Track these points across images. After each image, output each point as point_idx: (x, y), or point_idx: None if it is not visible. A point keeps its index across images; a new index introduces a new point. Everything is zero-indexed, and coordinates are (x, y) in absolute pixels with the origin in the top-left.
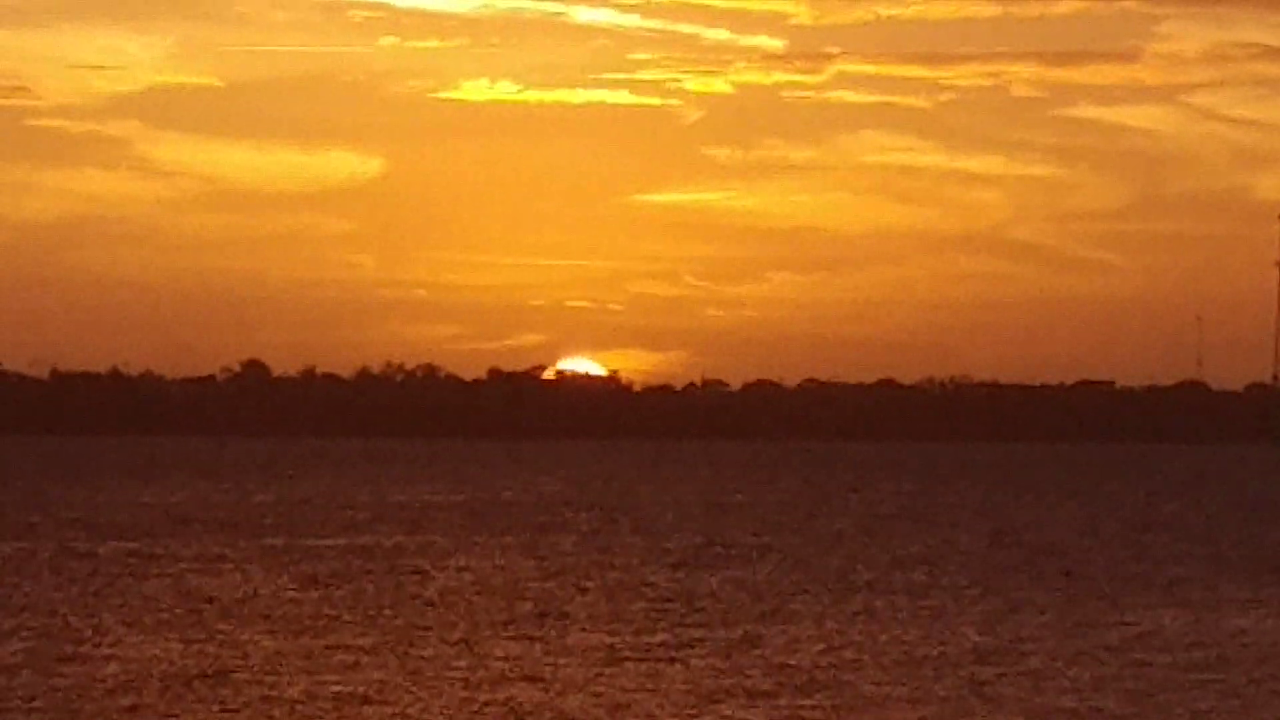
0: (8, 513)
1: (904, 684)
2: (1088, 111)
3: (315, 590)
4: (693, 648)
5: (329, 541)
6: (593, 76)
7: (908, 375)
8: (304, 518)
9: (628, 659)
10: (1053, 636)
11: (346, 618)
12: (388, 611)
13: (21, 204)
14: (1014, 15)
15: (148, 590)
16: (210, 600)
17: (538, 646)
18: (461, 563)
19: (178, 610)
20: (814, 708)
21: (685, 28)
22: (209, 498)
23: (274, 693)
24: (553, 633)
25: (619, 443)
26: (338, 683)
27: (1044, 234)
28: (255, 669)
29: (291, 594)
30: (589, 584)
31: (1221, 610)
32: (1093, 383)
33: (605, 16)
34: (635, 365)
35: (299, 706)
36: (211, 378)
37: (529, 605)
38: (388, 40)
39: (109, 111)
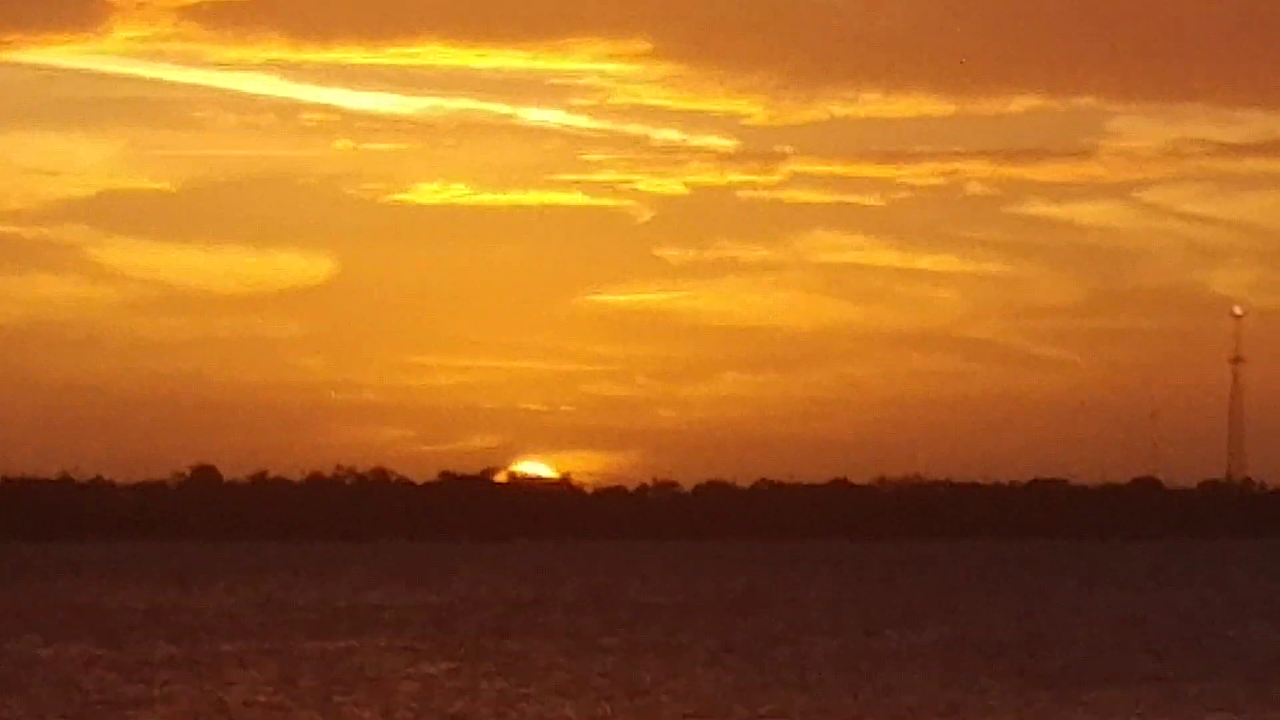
0: None
1: None
2: (1042, 209)
3: (272, 695)
4: None
5: (283, 645)
6: (545, 178)
7: (861, 474)
8: (256, 622)
9: None
10: None
11: None
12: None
13: None
14: (968, 114)
15: (101, 695)
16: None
17: None
18: (416, 667)
19: (129, 712)
20: None
21: (637, 128)
22: (159, 602)
23: None
24: None
25: (571, 544)
26: None
27: (998, 331)
28: None
29: (250, 698)
30: (549, 684)
31: (1179, 708)
32: (1047, 480)
33: (556, 118)
34: (587, 467)
35: None
36: (162, 483)
37: (491, 708)
38: (341, 143)
39: (59, 216)
